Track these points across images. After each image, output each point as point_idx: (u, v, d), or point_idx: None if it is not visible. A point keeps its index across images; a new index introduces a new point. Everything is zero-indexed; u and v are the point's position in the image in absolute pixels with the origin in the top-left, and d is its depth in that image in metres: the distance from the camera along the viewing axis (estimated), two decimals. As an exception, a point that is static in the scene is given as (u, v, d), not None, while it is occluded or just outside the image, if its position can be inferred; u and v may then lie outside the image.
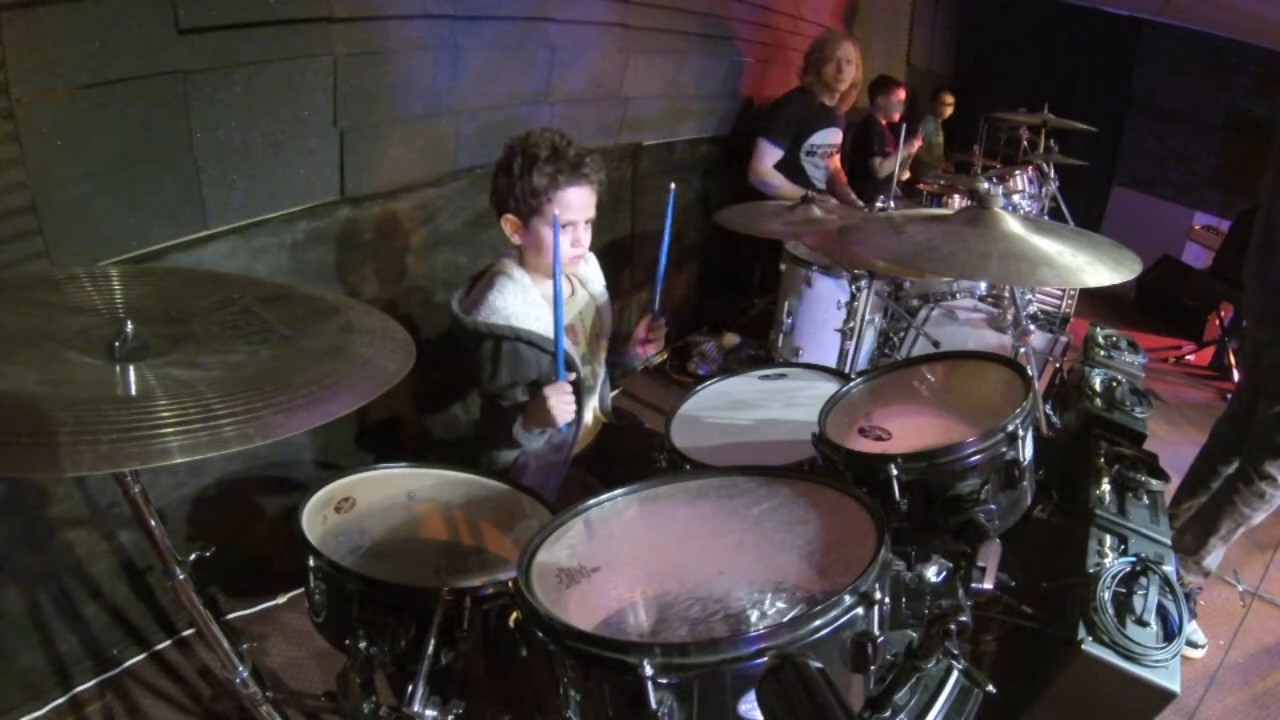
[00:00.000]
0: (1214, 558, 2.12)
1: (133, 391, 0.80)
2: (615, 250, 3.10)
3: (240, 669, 1.13)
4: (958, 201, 3.83)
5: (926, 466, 1.08)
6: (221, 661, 1.11)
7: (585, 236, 1.57)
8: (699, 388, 1.69)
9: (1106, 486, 1.79)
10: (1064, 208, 3.69)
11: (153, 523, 0.98)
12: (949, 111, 5.55)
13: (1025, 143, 4.11)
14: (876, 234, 1.57)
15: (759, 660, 0.70)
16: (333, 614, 1.11)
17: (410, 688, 1.00)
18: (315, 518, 1.20)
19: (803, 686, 0.66)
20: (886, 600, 0.80)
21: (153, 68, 1.39)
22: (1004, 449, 1.09)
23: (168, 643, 1.80)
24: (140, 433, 0.73)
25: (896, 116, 4.31)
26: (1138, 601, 1.42)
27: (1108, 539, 1.60)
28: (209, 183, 1.56)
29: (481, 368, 1.53)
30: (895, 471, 1.07)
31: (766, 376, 1.75)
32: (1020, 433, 1.10)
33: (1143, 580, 1.47)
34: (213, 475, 1.78)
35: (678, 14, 2.91)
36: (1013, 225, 1.41)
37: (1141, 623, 1.39)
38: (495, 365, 1.51)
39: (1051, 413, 2.45)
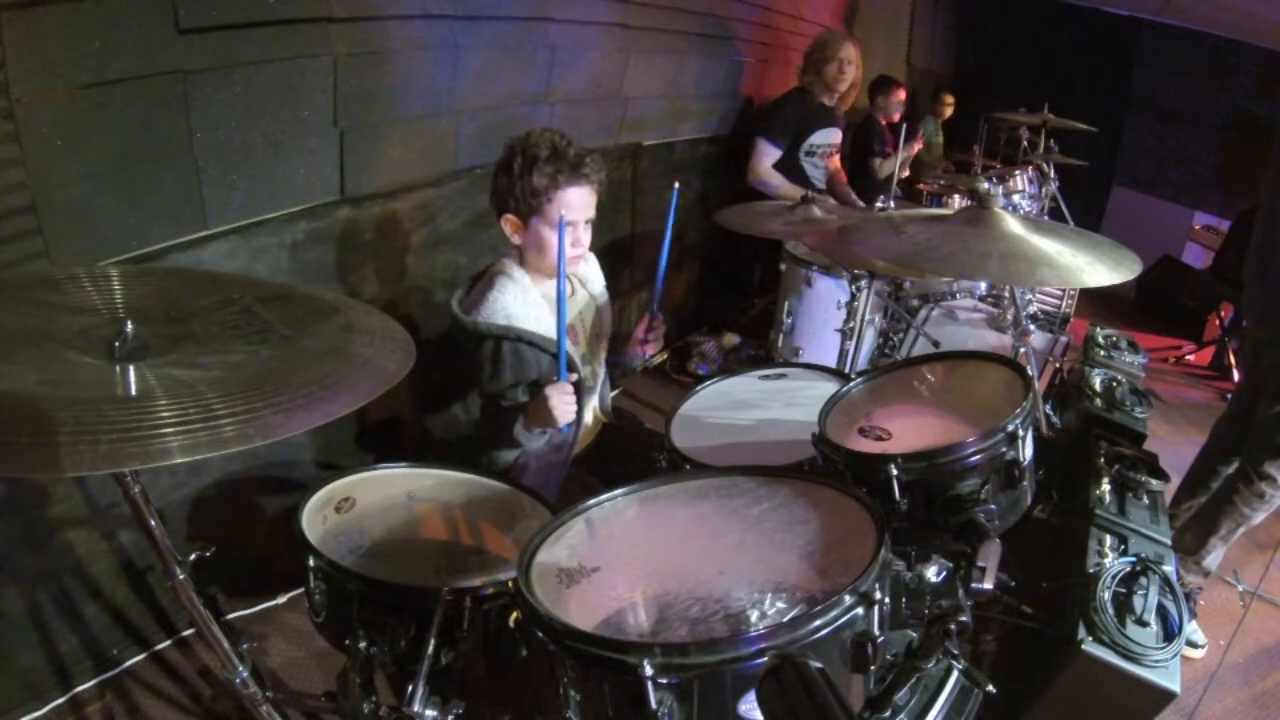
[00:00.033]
0: (1214, 558, 2.12)
1: (133, 391, 0.80)
2: (615, 250, 3.10)
3: (240, 669, 1.13)
4: (958, 201, 3.84)
5: (926, 466, 1.08)
6: (221, 661, 1.11)
7: (585, 236, 1.57)
8: (699, 388, 1.69)
9: (1106, 486, 1.79)
10: (1064, 208, 3.69)
11: (153, 523, 0.98)
12: (949, 112, 5.55)
13: (1025, 143, 4.11)
14: (876, 234, 1.57)
15: (759, 660, 0.70)
16: (333, 614, 1.11)
17: (410, 688, 1.00)
18: (315, 518, 1.20)
19: (803, 686, 0.66)
20: (886, 600, 0.80)
21: (153, 68, 1.39)
22: (1004, 449, 1.09)
23: (168, 643, 1.80)
24: (140, 433, 0.73)
25: (896, 117, 4.31)
26: (1138, 601, 1.42)
27: (1108, 539, 1.60)
28: (209, 183, 1.56)
29: (482, 368, 1.53)
30: (895, 471, 1.07)
31: (766, 376, 1.75)
32: (1020, 433, 1.10)
33: (1143, 580, 1.47)
34: (213, 475, 1.78)
35: (678, 14, 2.91)
36: (1013, 225, 1.41)
37: (1141, 623, 1.39)
38: (495, 365, 1.51)
39: (1051, 413, 2.45)
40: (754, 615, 0.83)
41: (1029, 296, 2.99)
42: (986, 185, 1.54)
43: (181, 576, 1.03)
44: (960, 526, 1.06)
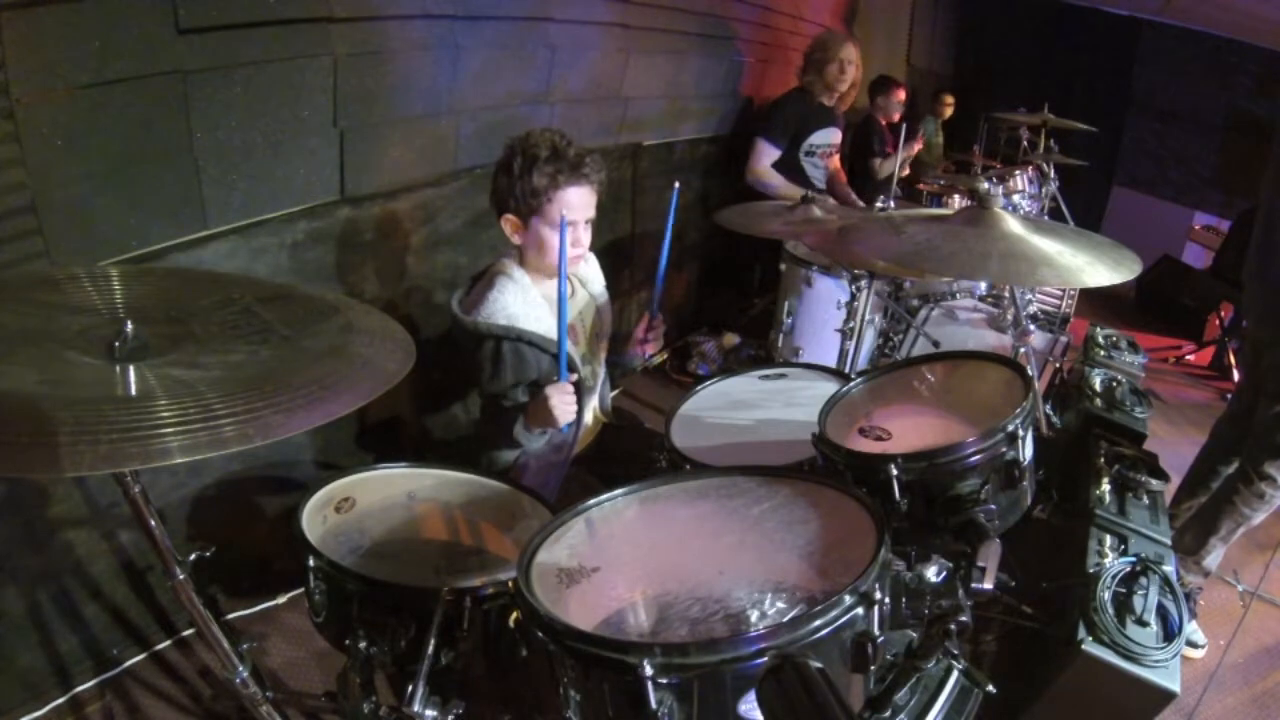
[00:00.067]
0: (1214, 558, 2.12)
1: (133, 391, 0.80)
2: (615, 250, 3.10)
3: (240, 669, 1.13)
4: (958, 201, 3.83)
5: (926, 466, 1.08)
6: (221, 661, 1.11)
7: (585, 236, 1.57)
8: (699, 388, 1.69)
9: (1106, 486, 1.79)
10: (1064, 208, 3.69)
11: (153, 523, 0.98)
12: (949, 112, 5.55)
13: (1025, 143, 4.11)
14: (876, 234, 1.57)
15: (759, 660, 0.70)
16: (333, 614, 1.11)
17: (410, 688, 1.00)
18: (315, 518, 1.20)
19: (803, 686, 0.66)
20: (886, 600, 0.80)
21: (153, 68, 1.39)
22: (1004, 449, 1.09)
23: (168, 643, 1.80)
24: (140, 433, 0.73)
25: (896, 117, 4.31)
26: (1138, 601, 1.42)
27: (1108, 539, 1.60)
28: (209, 183, 1.56)
29: (482, 368, 1.53)
30: (895, 471, 1.07)
31: (766, 376, 1.75)
32: (1020, 433, 1.10)
33: (1143, 580, 1.47)
34: (213, 475, 1.78)
35: (678, 14, 2.91)
36: (1013, 225, 1.41)
37: (1141, 623, 1.39)
38: (496, 365, 1.51)
39: (1051, 413, 2.45)
40: (754, 615, 0.83)
41: (1029, 296, 2.99)
42: (986, 185, 1.54)
43: (181, 576, 1.03)
44: (960, 526, 1.06)
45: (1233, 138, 5.81)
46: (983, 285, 2.96)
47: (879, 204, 2.74)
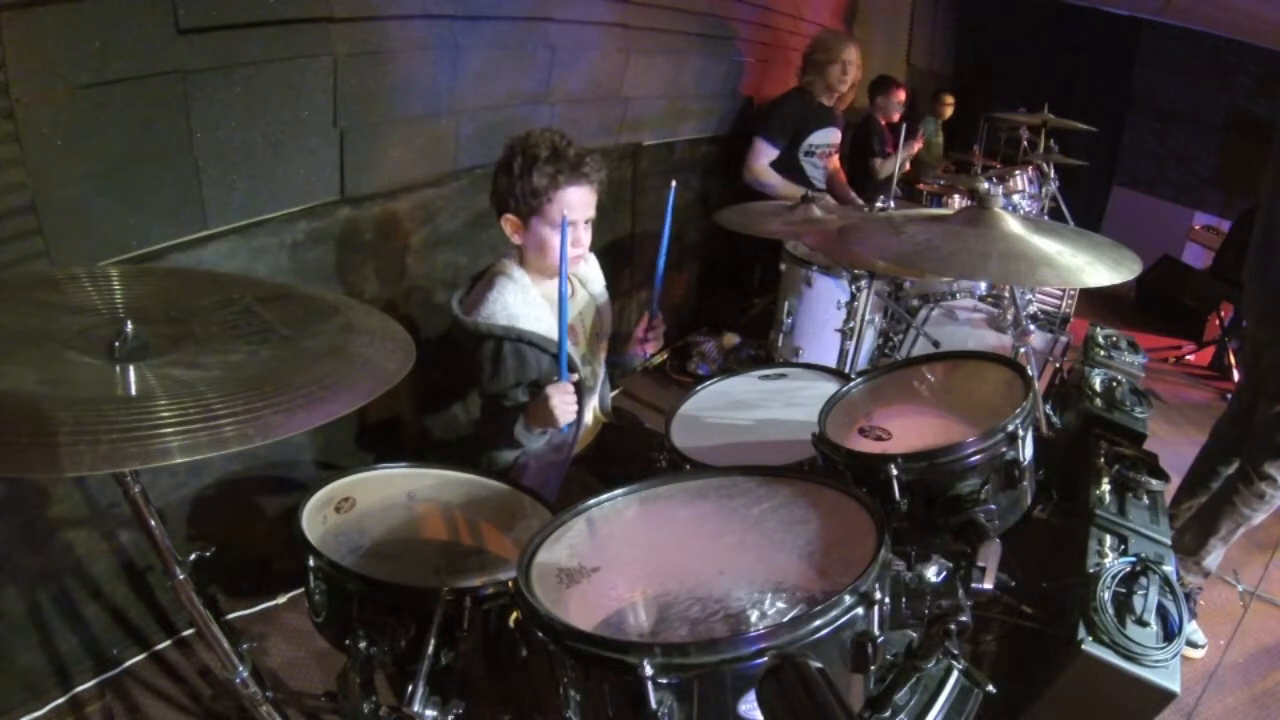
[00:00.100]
0: (1214, 558, 2.12)
1: (133, 391, 0.80)
2: (615, 250, 3.10)
3: (240, 669, 1.13)
4: (958, 201, 3.84)
5: (926, 466, 1.08)
6: (221, 661, 1.11)
7: (585, 236, 1.57)
8: (699, 388, 1.69)
9: (1106, 486, 1.79)
10: (1064, 208, 3.69)
11: (153, 523, 0.98)
12: (949, 112, 5.55)
13: (1025, 143, 4.11)
14: (876, 234, 1.57)
15: (759, 660, 0.70)
16: (333, 614, 1.11)
17: (410, 688, 1.00)
18: (315, 518, 1.20)
19: (803, 686, 0.66)
20: (886, 600, 0.80)
21: (153, 68, 1.39)
22: (1004, 449, 1.09)
23: (168, 643, 1.80)
24: (140, 433, 0.73)
25: (896, 117, 4.32)
26: (1138, 601, 1.42)
27: (1108, 539, 1.60)
28: (209, 183, 1.56)
29: (482, 368, 1.53)
30: (895, 471, 1.07)
31: (766, 376, 1.75)
32: (1020, 433, 1.10)
33: (1143, 580, 1.47)
34: (213, 475, 1.78)
35: (678, 14, 2.91)
36: (1013, 225, 1.42)
37: (1141, 623, 1.39)
38: (496, 366, 1.51)
39: (1051, 413, 2.45)
40: (754, 615, 0.83)
41: (1029, 296, 2.99)
42: (986, 185, 1.54)
43: (181, 576, 1.03)
44: (960, 526, 1.06)
45: (1233, 138, 5.81)
46: (983, 285, 2.96)
47: (879, 204, 2.74)
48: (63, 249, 1.38)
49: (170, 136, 1.47)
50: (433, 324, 2.17)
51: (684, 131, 3.32)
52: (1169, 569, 1.52)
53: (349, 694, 1.07)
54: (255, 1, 1.51)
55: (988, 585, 0.94)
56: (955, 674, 1.04)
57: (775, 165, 3.23)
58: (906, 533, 1.09)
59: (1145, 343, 2.79)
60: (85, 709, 1.62)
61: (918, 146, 4.36)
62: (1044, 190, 3.71)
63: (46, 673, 1.59)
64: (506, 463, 1.59)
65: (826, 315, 2.65)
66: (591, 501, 1.03)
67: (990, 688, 1.04)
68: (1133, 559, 1.51)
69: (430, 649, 1.02)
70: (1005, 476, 1.10)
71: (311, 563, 1.09)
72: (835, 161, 3.48)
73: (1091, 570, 1.49)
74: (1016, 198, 3.63)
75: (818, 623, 0.73)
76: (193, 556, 1.07)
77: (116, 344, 0.85)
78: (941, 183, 4.20)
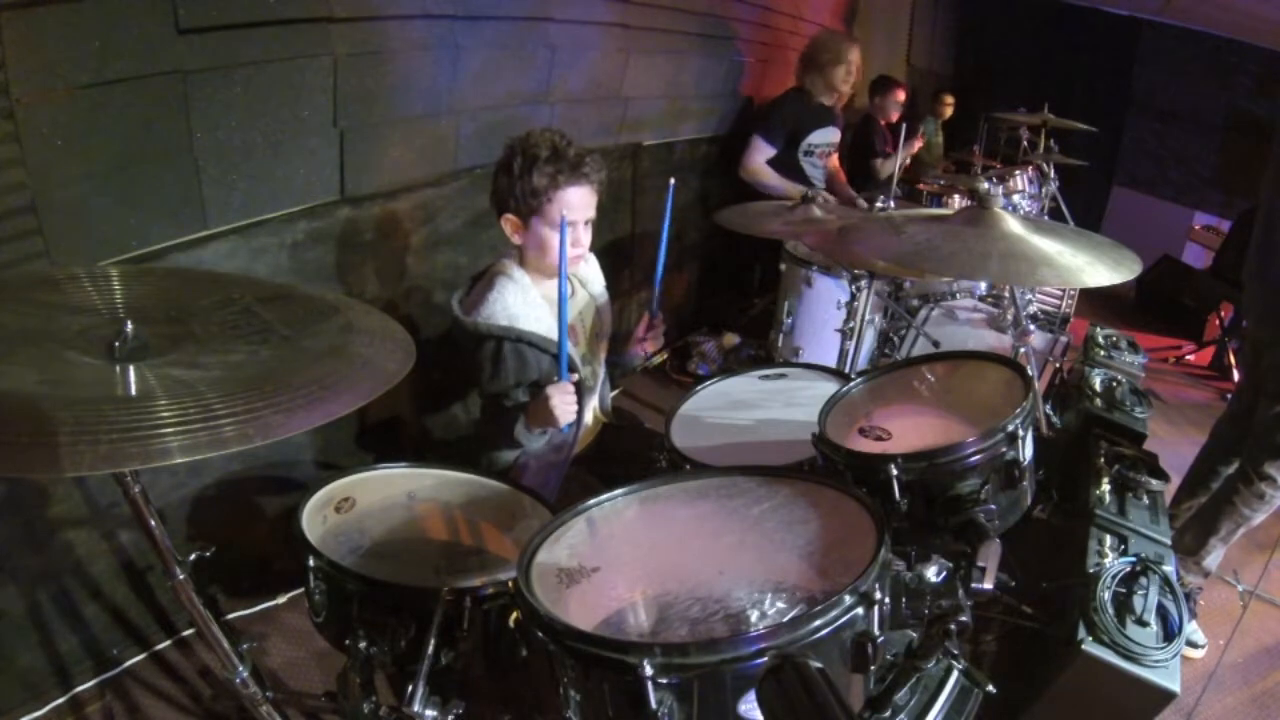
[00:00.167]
0: (1214, 558, 2.12)
1: (133, 391, 0.80)
2: (615, 250, 3.10)
3: (240, 669, 1.13)
4: (958, 201, 3.83)
5: (926, 466, 1.08)
6: (221, 661, 1.11)
7: (585, 236, 1.57)
8: (699, 388, 1.69)
9: (1106, 486, 1.79)
10: (1064, 208, 3.69)
11: (153, 523, 0.99)
12: (949, 112, 5.55)
13: (1025, 143, 4.11)
14: (876, 234, 1.58)
15: (759, 660, 0.70)
16: (333, 614, 1.11)
17: (410, 688, 1.00)
18: (315, 518, 1.20)
19: (803, 686, 0.66)
20: (886, 600, 0.80)
21: (153, 68, 1.39)
22: (1004, 449, 1.09)
23: (168, 643, 1.80)
24: (140, 433, 0.73)
25: (895, 117, 4.32)
26: (1138, 601, 1.42)
27: (1108, 539, 1.60)
28: (209, 183, 1.56)
29: (482, 368, 1.53)
30: (895, 471, 1.07)
31: (766, 376, 1.75)
32: (1020, 433, 1.10)
33: (1143, 580, 1.47)
34: (213, 475, 1.78)
35: (678, 14, 2.91)
36: (1013, 225, 1.42)
37: (1141, 623, 1.39)
38: (496, 366, 1.51)
39: (1051, 413, 2.45)
40: (754, 615, 0.83)
41: (1029, 296, 2.99)
42: (986, 185, 1.54)
43: (181, 576, 1.03)
44: (960, 526, 1.06)
45: (1233, 138, 5.81)
46: (983, 285, 2.96)
47: (879, 204, 2.74)
48: (63, 249, 1.38)
49: (170, 136, 1.47)
50: (433, 324, 2.17)
51: (684, 131, 3.32)
52: (1169, 569, 1.52)
53: (349, 694, 1.07)
54: (255, 1, 1.51)
55: (988, 585, 0.94)
56: (955, 674, 1.04)
57: (775, 165, 3.23)
58: (906, 533, 1.09)
59: (1145, 343, 2.79)
60: (85, 709, 1.62)
61: (918, 146, 4.35)
62: (1044, 190, 3.71)
63: (46, 673, 1.59)
64: (506, 463, 1.59)
65: (826, 315, 2.65)
66: (591, 501, 1.03)
67: (990, 688, 1.04)
68: (1133, 559, 1.51)
69: (430, 649, 1.02)
70: (1005, 476, 1.10)
71: (311, 563, 1.09)
72: (835, 161, 3.48)
73: (1091, 570, 1.49)
74: (1016, 198, 3.63)
75: (818, 623, 0.73)
76: (193, 556, 1.07)
77: (116, 344, 0.85)
78: (941, 183, 4.19)
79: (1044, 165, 3.71)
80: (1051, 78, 6.13)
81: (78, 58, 1.29)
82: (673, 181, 1.55)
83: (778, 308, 2.85)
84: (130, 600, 1.72)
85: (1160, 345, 4.53)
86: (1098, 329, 2.68)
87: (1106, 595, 1.42)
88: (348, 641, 1.05)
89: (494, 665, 1.10)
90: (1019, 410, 1.11)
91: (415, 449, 2.29)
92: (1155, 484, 1.82)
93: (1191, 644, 2.02)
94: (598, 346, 1.74)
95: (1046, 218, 3.49)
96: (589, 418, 1.73)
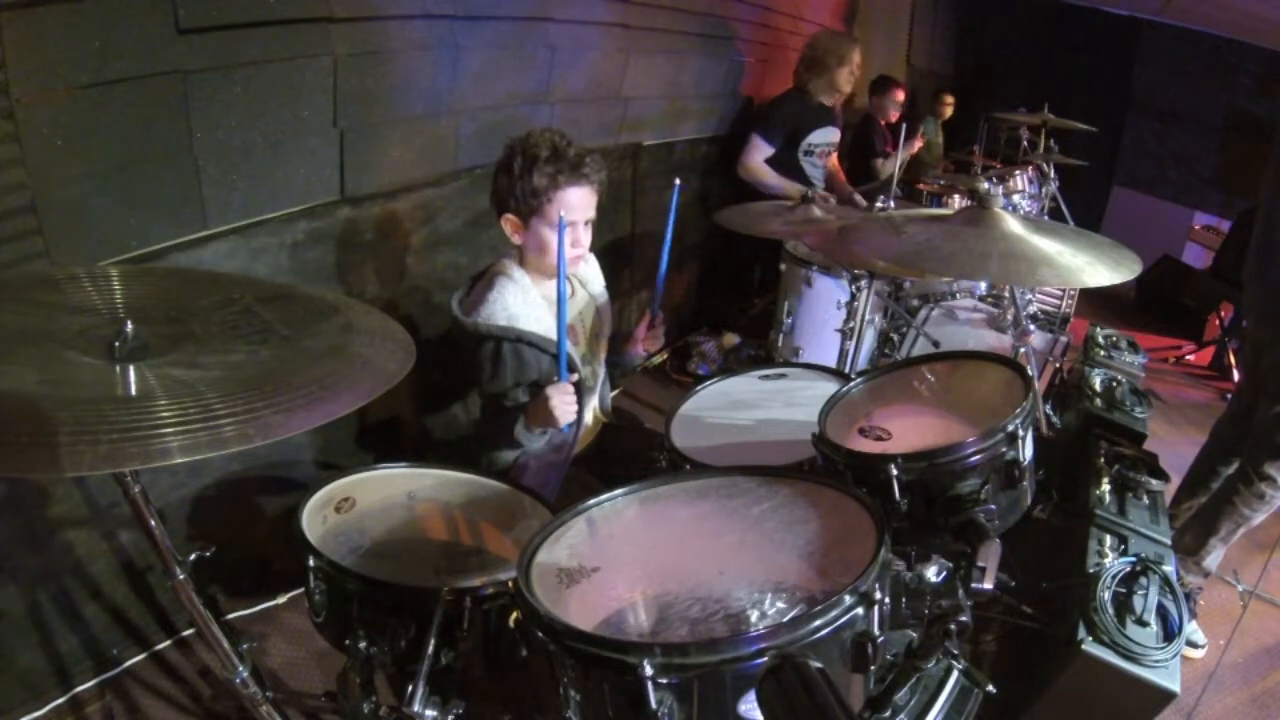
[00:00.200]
0: (1214, 558, 2.12)
1: (133, 391, 0.80)
2: (615, 250, 3.10)
3: (240, 669, 1.13)
4: (958, 201, 3.83)
5: (926, 466, 1.08)
6: (221, 661, 1.11)
7: (585, 237, 1.57)
8: (699, 388, 1.69)
9: (1106, 486, 1.79)
10: (1064, 208, 3.69)
11: (153, 523, 0.98)
12: (949, 112, 5.55)
13: (1025, 143, 4.11)
14: (876, 234, 1.57)
15: (759, 660, 0.70)
16: (333, 614, 1.11)
17: (410, 688, 1.00)
18: (315, 518, 1.20)
19: (803, 686, 0.66)
20: (886, 600, 0.80)
21: (153, 68, 1.39)
22: (1004, 449, 1.09)
23: (168, 643, 1.80)
24: (140, 433, 0.73)
25: (895, 117, 4.32)
26: (1138, 601, 1.42)
27: (1108, 539, 1.60)
28: (209, 183, 1.56)
29: (482, 368, 1.53)
30: (895, 471, 1.07)
31: (766, 376, 1.75)
32: (1020, 433, 1.10)
33: (1143, 580, 1.47)
34: (213, 475, 1.78)
35: (678, 14, 2.91)
36: (1013, 225, 1.42)
37: (1141, 623, 1.39)
38: (496, 366, 1.51)
39: (1051, 413, 2.45)
40: (754, 615, 0.83)
41: (1029, 296, 2.99)
42: (986, 185, 1.54)
43: (181, 576, 1.03)
44: (960, 526, 1.06)
45: (1233, 138, 5.81)
46: (983, 285, 2.96)
47: (879, 204, 2.74)
48: (63, 249, 1.38)
49: (170, 136, 1.47)
50: (433, 324, 2.17)
51: (684, 131, 3.32)
52: (1169, 569, 1.52)
53: (349, 694, 1.07)
54: (255, 1, 1.51)
55: (988, 585, 0.94)
56: (955, 674, 1.04)
57: (774, 164, 3.23)
58: (906, 533, 1.09)
59: (1145, 343, 2.79)
60: (85, 709, 1.62)
61: (918, 146, 4.35)
62: (1044, 190, 3.71)
63: (46, 673, 1.59)
64: (506, 463, 1.59)
65: (826, 315, 2.65)
66: (591, 501, 1.03)
67: (990, 688, 1.04)
68: (1133, 559, 1.51)
69: (430, 649, 1.02)
70: (1005, 476, 1.10)
71: (311, 563, 1.09)
72: (835, 161, 3.48)
73: (1091, 570, 1.49)
74: (1016, 198, 3.63)
75: (818, 623, 0.73)
76: (193, 556, 1.07)
77: (116, 344, 0.85)
78: (941, 183, 4.19)
79: (1044, 165, 3.71)
80: (1051, 78, 6.13)
81: (78, 58, 1.29)
82: (678, 183, 1.55)
83: (778, 308, 2.85)
84: (130, 600, 1.72)
85: (1160, 345, 4.53)
86: (1098, 329, 2.68)
87: (1106, 595, 1.42)
88: (348, 641, 1.05)
89: (494, 665, 1.10)
90: (1019, 410, 1.11)
91: (415, 449, 2.29)
92: (1155, 484, 1.82)
93: (1191, 644, 2.02)
94: (597, 346, 1.74)
95: (1046, 218, 3.49)
96: (589, 418, 1.73)
